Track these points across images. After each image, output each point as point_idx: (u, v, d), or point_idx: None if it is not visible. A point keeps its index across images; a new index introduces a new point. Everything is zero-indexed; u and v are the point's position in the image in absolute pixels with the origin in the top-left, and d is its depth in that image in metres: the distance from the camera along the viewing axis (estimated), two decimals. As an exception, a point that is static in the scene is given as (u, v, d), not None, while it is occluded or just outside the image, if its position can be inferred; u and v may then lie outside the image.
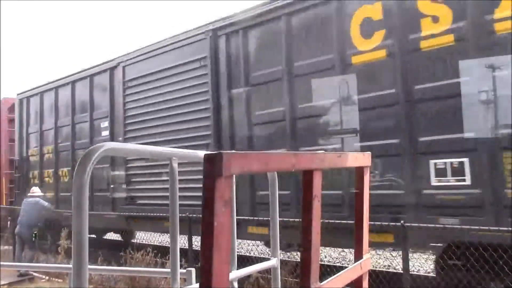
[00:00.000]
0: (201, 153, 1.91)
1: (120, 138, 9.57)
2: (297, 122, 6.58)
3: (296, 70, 6.62)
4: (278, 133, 6.83)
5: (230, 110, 7.49)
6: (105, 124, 10.17)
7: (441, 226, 5.03)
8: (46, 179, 12.09)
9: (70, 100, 11.25)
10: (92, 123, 10.51)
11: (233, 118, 7.45)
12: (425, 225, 5.10)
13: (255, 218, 6.75)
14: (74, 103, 11.18)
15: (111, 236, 12.50)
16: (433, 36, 5.33)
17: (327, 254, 9.67)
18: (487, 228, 4.67)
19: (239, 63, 7.40)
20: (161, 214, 7.99)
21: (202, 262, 1.10)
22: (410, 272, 5.48)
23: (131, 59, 9.53)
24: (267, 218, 5.85)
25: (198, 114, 7.99)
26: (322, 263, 8.09)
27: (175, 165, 1.86)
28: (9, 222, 13.48)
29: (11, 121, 14.61)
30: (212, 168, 1.11)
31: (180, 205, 2.03)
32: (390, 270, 7.27)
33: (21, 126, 13.38)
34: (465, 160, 5.03)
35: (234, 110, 7.45)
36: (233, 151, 1.25)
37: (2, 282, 8.11)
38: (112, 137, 9.80)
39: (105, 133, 10.14)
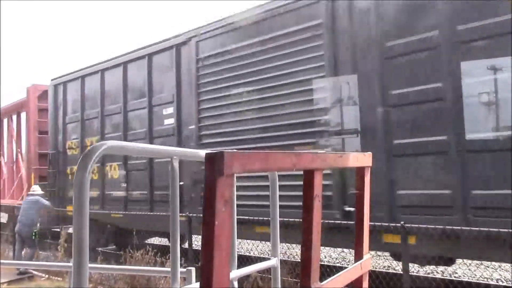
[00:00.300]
0: (202, 152, 1.92)
1: (192, 127, 8.04)
2: (460, 101, 5.02)
3: (461, 35, 5.05)
4: (429, 116, 5.31)
5: (358, 89, 5.97)
6: (169, 110, 8.60)
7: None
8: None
9: (121, 83, 9.63)
10: (151, 110, 8.94)
11: (363, 98, 5.91)
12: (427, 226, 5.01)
13: (395, 224, 5.32)
14: (126, 87, 9.57)
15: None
16: None
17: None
18: None
19: (369, 29, 5.85)
20: (257, 218, 6.38)
21: (203, 261, 1.10)
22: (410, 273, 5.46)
23: (208, 32, 7.90)
24: (404, 224, 5.00)
25: (307, 95, 6.42)
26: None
27: (176, 164, 1.86)
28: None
29: (42, 110, 13.05)
30: (213, 167, 1.12)
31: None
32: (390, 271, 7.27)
33: (55, 116, 11.66)
34: None
35: (362, 89, 5.93)
36: (234, 150, 1.24)
37: (2, 280, 8.11)
38: (180, 126, 8.38)
39: (169, 121, 8.58)
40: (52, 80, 12.04)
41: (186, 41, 8.35)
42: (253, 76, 7.11)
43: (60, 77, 11.74)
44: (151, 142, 8.65)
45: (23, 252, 9.85)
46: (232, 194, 1.17)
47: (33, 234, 9.73)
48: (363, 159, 2.16)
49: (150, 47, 9.14)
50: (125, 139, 9.15)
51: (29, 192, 10.47)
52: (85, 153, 1.42)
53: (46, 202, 10.41)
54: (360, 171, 2.19)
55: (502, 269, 7.42)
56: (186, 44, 8.32)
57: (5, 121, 15.27)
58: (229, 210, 1.15)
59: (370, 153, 2.25)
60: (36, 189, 10.47)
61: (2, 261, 7.07)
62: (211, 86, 7.77)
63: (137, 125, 9.36)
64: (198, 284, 1.75)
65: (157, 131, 8.82)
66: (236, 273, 2.17)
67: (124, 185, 9.45)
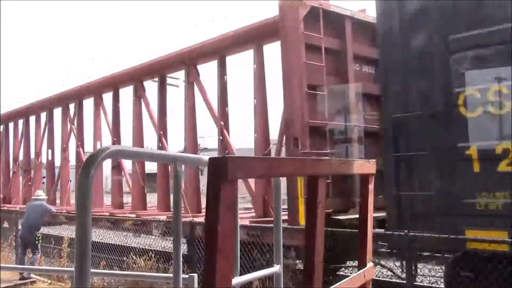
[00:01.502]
0: (205, 157, 1.91)
1: None
2: None
3: None
4: None
5: None
6: None
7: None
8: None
9: None
10: None
11: None
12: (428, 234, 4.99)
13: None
14: None
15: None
16: None
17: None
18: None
19: None
20: None
21: (206, 266, 1.09)
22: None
23: None
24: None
25: None
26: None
27: (179, 168, 1.86)
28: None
29: (312, 48, 7.02)
30: (216, 172, 1.11)
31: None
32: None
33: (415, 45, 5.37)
34: None
35: None
36: (238, 155, 1.24)
37: (3, 285, 8.10)
38: None
39: None
40: None
41: None
42: None
43: None
44: None
45: (25, 257, 9.83)
46: (235, 199, 1.16)
47: (36, 239, 9.72)
48: (367, 167, 2.15)
49: None
50: None
51: (33, 197, 10.48)
52: (88, 157, 1.42)
53: (50, 207, 10.41)
54: (364, 178, 2.18)
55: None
56: None
57: (133, 87, 10.94)
58: (232, 215, 1.14)
59: (374, 160, 2.24)
60: (40, 193, 10.49)
61: (3, 265, 7.07)
62: None
63: None
64: (200, 290, 1.74)
65: None
66: (238, 279, 2.16)
67: None
